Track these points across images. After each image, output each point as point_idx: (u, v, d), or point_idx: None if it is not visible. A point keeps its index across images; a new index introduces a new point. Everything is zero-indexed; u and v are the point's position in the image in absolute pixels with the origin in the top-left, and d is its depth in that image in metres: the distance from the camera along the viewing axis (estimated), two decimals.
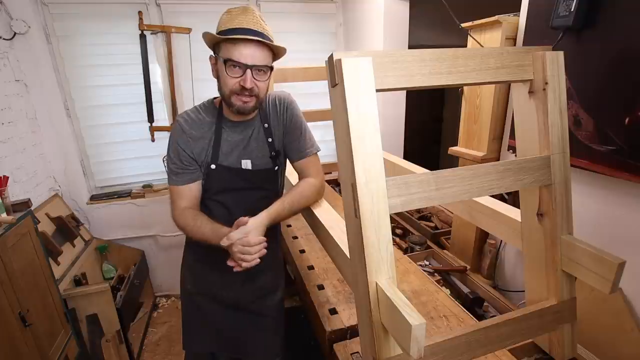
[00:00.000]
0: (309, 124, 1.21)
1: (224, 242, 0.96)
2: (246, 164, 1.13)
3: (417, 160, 1.47)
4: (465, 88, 1.56)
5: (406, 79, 0.71)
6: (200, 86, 2.63)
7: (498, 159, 1.49)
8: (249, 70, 0.99)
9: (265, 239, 1.00)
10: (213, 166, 1.11)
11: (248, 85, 0.99)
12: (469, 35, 1.45)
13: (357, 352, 1.04)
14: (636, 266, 0.95)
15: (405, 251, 1.72)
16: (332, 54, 0.66)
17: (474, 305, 1.39)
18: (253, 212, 1.04)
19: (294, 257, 1.61)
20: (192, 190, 1.12)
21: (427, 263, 1.67)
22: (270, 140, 1.15)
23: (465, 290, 1.47)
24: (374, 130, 0.66)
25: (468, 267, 1.59)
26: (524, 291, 1.03)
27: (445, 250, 1.74)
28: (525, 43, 1.27)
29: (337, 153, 0.73)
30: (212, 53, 1.07)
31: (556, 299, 0.87)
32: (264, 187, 1.18)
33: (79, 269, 2.12)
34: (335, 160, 0.74)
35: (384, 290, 0.65)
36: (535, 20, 1.22)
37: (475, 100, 1.49)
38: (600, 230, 1.11)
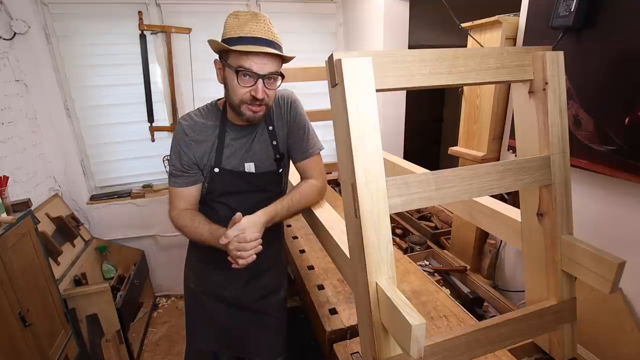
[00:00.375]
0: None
1: (222, 241, 0.96)
2: (249, 167, 1.13)
3: (417, 160, 1.47)
4: (465, 88, 1.56)
5: (406, 79, 0.71)
6: (200, 86, 2.64)
7: (498, 159, 1.49)
8: (260, 80, 0.98)
9: (259, 235, 1.00)
10: (216, 169, 1.11)
11: (260, 95, 0.98)
12: (469, 35, 1.45)
13: (357, 352, 1.04)
14: (636, 266, 0.95)
15: (405, 251, 1.72)
16: (332, 54, 0.66)
17: (474, 305, 1.39)
18: None
19: (294, 257, 1.61)
20: (191, 193, 1.13)
21: (427, 263, 1.67)
22: (274, 143, 1.15)
23: (465, 290, 1.47)
24: (374, 130, 0.66)
25: (468, 267, 1.59)
26: (524, 291, 1.03)
27: (445, 250, 1.74)
28: (525, 43, 1.27)
29: (337, 153, 0.73)
30: (214, 55, 1.06)
31: (556, 299, 0.87)
32: (268, 189, 1.17)
33: (79, 269, 2.12)
34: (335, 160, 0.74)
35: (384, 290, 0.65)
36: (535, 20, 1.22)
37: (475, 100, 1.49)
38: (600, 230, 1.11)
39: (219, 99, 1.16)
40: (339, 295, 1.29)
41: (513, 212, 0.96)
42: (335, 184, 2.48)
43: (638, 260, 0.96)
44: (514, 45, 1.34)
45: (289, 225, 1.90)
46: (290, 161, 1.23)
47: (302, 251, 1.64)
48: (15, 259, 1.46)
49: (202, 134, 1.10)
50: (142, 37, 2.46)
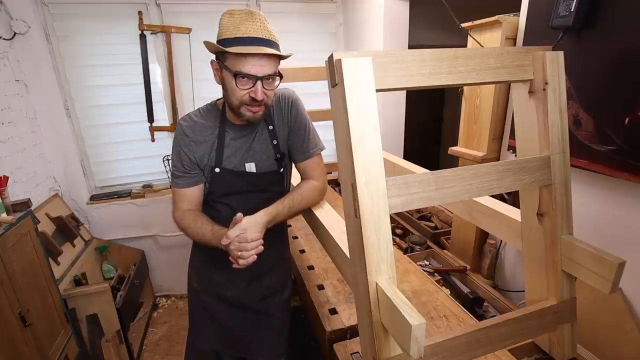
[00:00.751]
0: None
1: (223, 241, 0.96)
2: (250, 167, 1.13)
3: (417, 160, 1.47)
4: (465, 88, 1.56)
5: (406, 79, 0.71)
6: (200, 86, 2.64)
7: (498, 159, 1.49)
8: (259, 82, 0.97)
9: (261, 235, 0.99)
10: (217, 170, 1.11)
11: (259, 97, 0.98)
12: (469, 35, 1.45)
13: (357, 352, 1.04)
14: (636, 266, 0.95)
15: (405, 251, 1.72)
16: (332, 54, 0.66)
17: (474, 305, 1.39)
18: None
19: (294, 257, 1.61)
20: (193, 193, 1.13)
21: (427, 263, 1.67)
22: (275, 142, 1.15)
23: (465, 290, 1.47)
24: (374, 130, 0.66)
25: (468, 267, 1.59)
26: (524, 291, 1.03)
27: (445, 250, 1.74)
28: (525, 43, 1.27)
29: (337, 153, 0.73)
30: (214, 55, 1.05)
31: (556, 299, 0.87)
32: (269, 189, 1.17)
33: (79, 269, 2.12)
34: (335, 160, 0.73)
35: (384, 290, 0.65)
36: (535, 20, 1.22)
37: (475, 100, 1.49)
38: (600, 230, 1.11)
39: (218, 99, 1.16)
40: (339, 295, 1.30)
41: (513, 212, 0.96)
42: (335, 184, 2.48)
43: (638, 260, 0.96)
44: (514, 45, 1.34)
45: (289, 225, 1.90)
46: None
47: (302, 251, 1.64)
48: (15, 259, 1.46)
49: (202, 134, 1.10)
50: (142, 37, 2.46)
